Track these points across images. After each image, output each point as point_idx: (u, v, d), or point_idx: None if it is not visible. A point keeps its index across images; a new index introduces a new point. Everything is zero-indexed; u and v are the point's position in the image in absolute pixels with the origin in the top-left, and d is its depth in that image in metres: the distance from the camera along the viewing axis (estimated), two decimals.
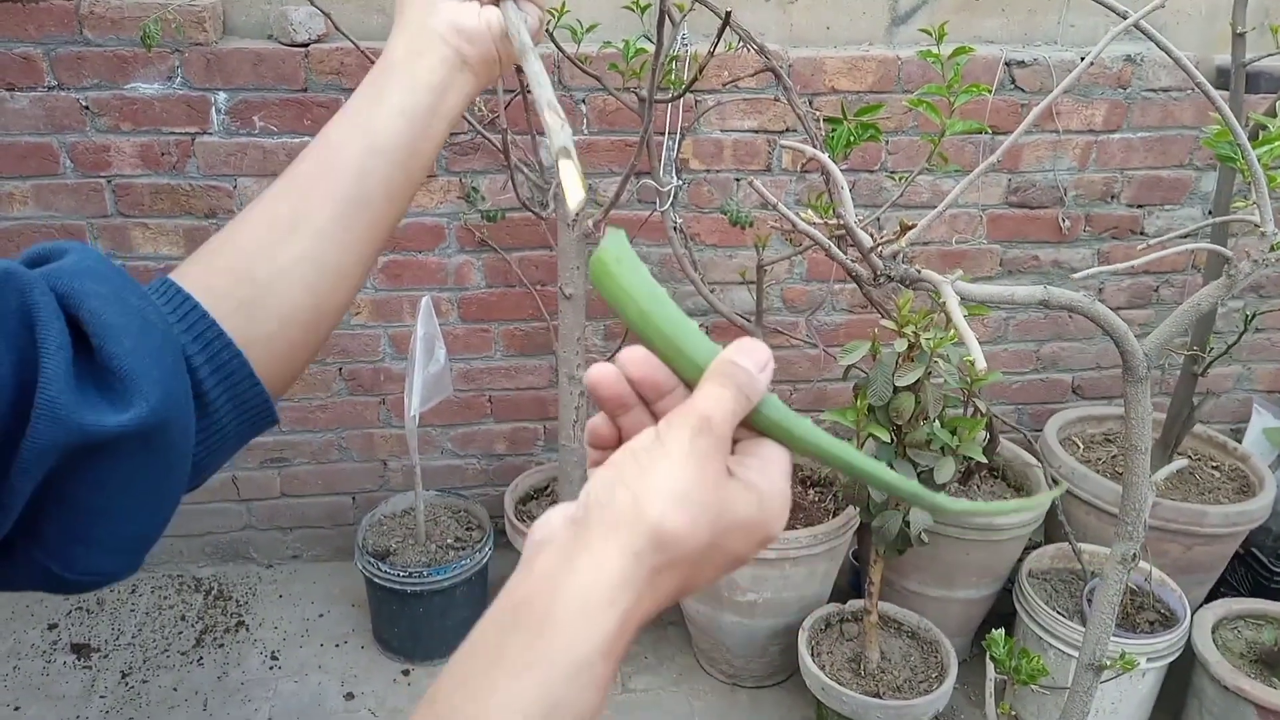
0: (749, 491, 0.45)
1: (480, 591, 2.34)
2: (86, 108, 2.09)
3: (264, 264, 0.60)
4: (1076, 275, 1.05)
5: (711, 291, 2.32)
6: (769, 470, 0.46)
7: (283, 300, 0.60)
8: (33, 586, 0.51)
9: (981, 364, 0.82)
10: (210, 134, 2.15)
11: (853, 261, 1.18)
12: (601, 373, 0.47)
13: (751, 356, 0.46)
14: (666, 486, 0.42)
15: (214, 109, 2.13)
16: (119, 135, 2.13)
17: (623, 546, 0.41)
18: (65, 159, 2.14)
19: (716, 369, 0.46)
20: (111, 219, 2.21)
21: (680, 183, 2.32)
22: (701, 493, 0.43)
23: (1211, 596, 2.29)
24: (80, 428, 0.46)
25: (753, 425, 0.48)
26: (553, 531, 0.44)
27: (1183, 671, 2.08)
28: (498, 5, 0.67)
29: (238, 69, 2.10)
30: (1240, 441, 2.52)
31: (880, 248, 1.07)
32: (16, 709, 2.11)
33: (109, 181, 2.17)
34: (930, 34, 1.52)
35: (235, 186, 2.20)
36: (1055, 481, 2.24)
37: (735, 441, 0.47)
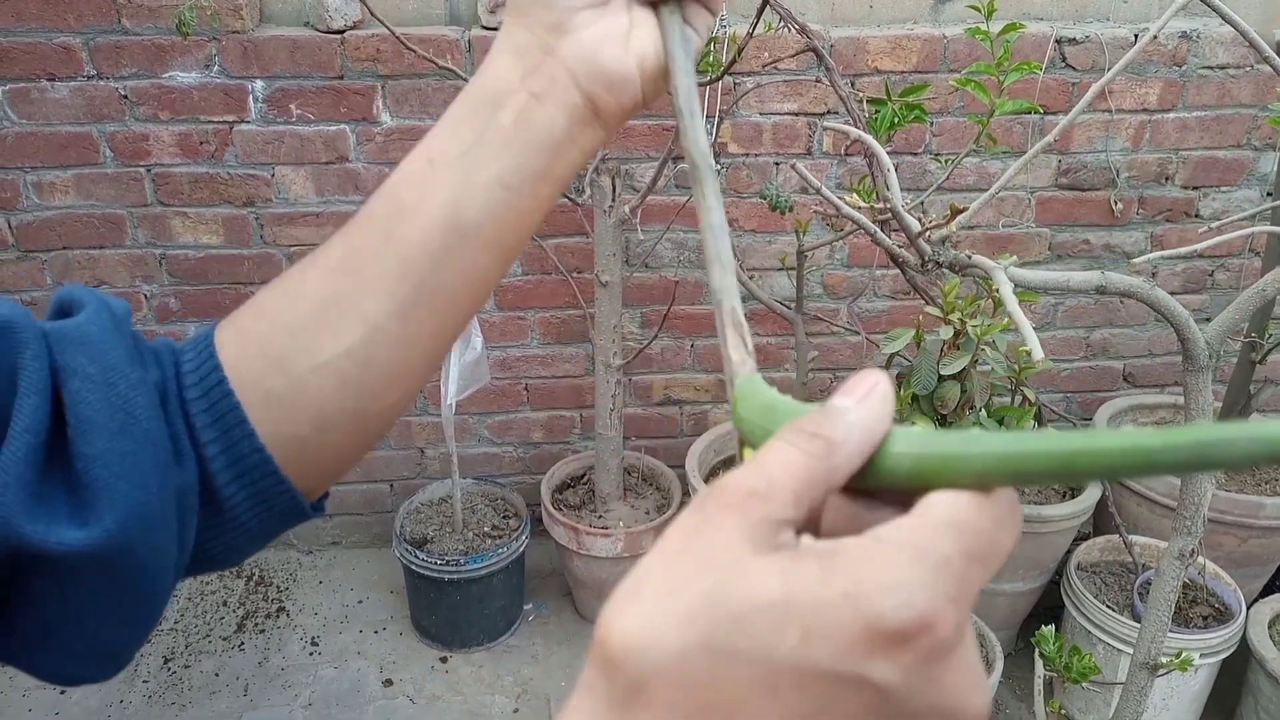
0: (802, 560, 0.27)
1: (517, 579, 2.33)
2: (125, 97, 2.10)
3: (300, 355, 0.49)
4: (1135, 261, 1.00)
5: (750, 278, 2.28)
6: (888, 528, 0.28)
7: (318, 401, 0.49)
8: (16, 666, 0.47)
9: (1039, 354, 0.78)
10: (248, 122, 2.15)
11: (899, 247, 1.14)
12: None
13: (849, 391, 0.31)
14: (623, 586, 0.29)
15: (251, 97, 2.12)
16: (158, 124, 2.14)
17: (581, 684, 0.29)
18: (105, 148, 2.15)
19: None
20: (151, 208, 2.22)
21: (718, 167, 2.28)
22: (671, 573, 0.28)
23: (1268, 591, 2.22)
24: (21, 537, 0.40)
25: (891, 481, 0.31)
26: None
27: (1237, 668, 2.02)
28: (654, 7, 0.48)
29: (274, 56, 2.09)
30: None
31: (928, 232, 1.03)
32: (62, 693, 2.14)
33: (148, 170, 2.18)
34: (979, 9, 1.47)
35: (273, 175, 2.20)
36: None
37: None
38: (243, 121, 2.14)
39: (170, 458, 0.46)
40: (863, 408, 0.31)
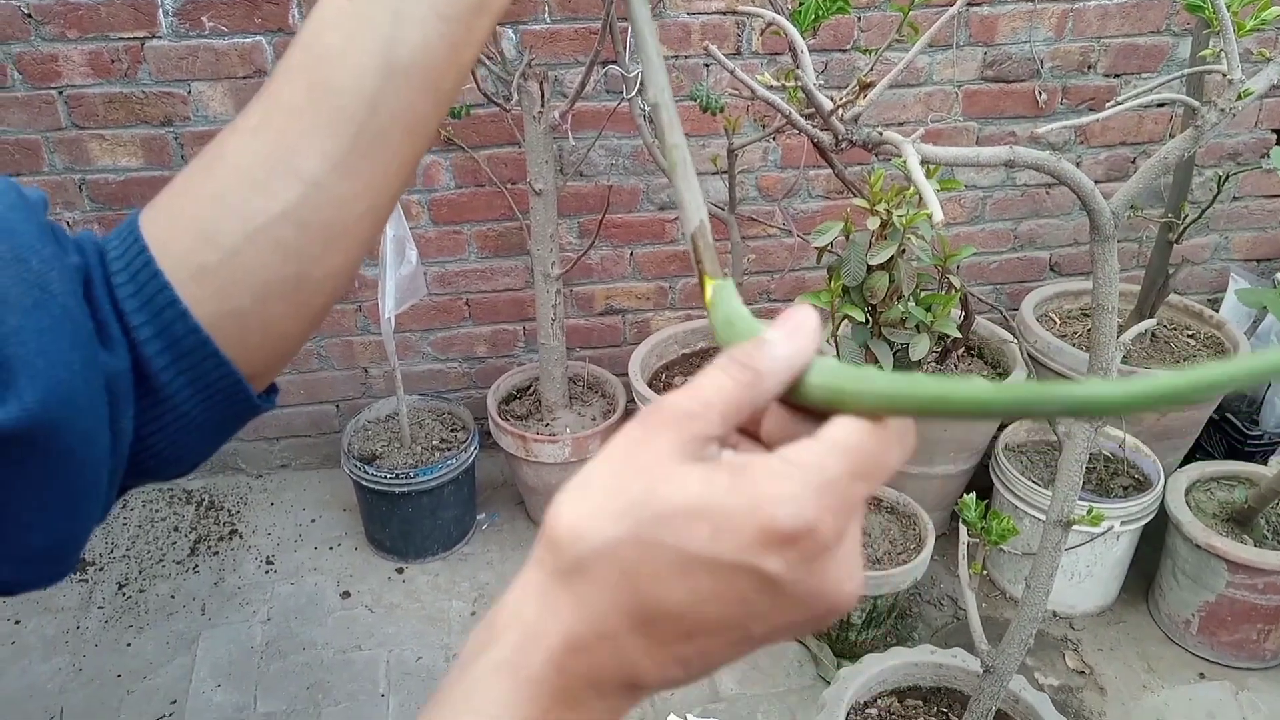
0: (718, 471, 0.34)
1: (468, 490, 2.37)
2: (29, 15, 2.02)
3: (230, 223, 0.47)
4: (1041, 130, 1.03)
5: None
6: (792, 449, 0.34)
7: (254, 270, 0.47)
8: None
9: (939, 215, 0.81)
10: (160, 37, 2.08)
11: (815, 128, 1.16)
12: None
13: (780, 325, 0.37)
14: (572, 482, 0.35)
15: (161, 11, 2.05)
16: (66, 44, 2.06)
17: (532, 558, 0.35)
18: (13, 71, 2.07)
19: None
20: (66, 131, 2.15)
21: None
22: (612, 475, 0.34)
23: (1187, 463, 2.34)
24: None
25: (810, 403, 0.37)
26: None
27: (1157, 535, 2.13)
28: None
29: None
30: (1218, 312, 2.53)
31: (841, 110, 1.05)
32: (17, 623, 2.15)
33: (60, 93, 2.11)
34: None
35: (190, 92, 2.14)
36: (1031, 358, 2.26)
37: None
38: (154, 37, 2.07)
39: (92, 337, 0.44)
40: (788, 343, 0.36)
